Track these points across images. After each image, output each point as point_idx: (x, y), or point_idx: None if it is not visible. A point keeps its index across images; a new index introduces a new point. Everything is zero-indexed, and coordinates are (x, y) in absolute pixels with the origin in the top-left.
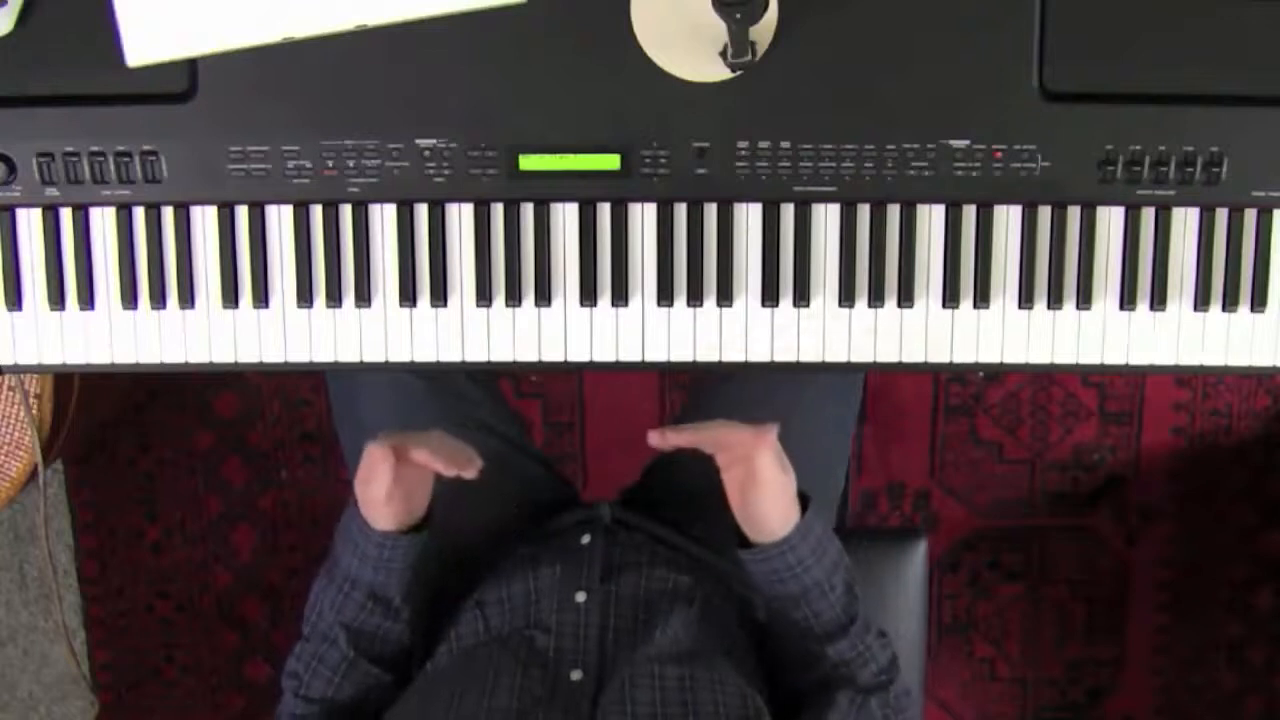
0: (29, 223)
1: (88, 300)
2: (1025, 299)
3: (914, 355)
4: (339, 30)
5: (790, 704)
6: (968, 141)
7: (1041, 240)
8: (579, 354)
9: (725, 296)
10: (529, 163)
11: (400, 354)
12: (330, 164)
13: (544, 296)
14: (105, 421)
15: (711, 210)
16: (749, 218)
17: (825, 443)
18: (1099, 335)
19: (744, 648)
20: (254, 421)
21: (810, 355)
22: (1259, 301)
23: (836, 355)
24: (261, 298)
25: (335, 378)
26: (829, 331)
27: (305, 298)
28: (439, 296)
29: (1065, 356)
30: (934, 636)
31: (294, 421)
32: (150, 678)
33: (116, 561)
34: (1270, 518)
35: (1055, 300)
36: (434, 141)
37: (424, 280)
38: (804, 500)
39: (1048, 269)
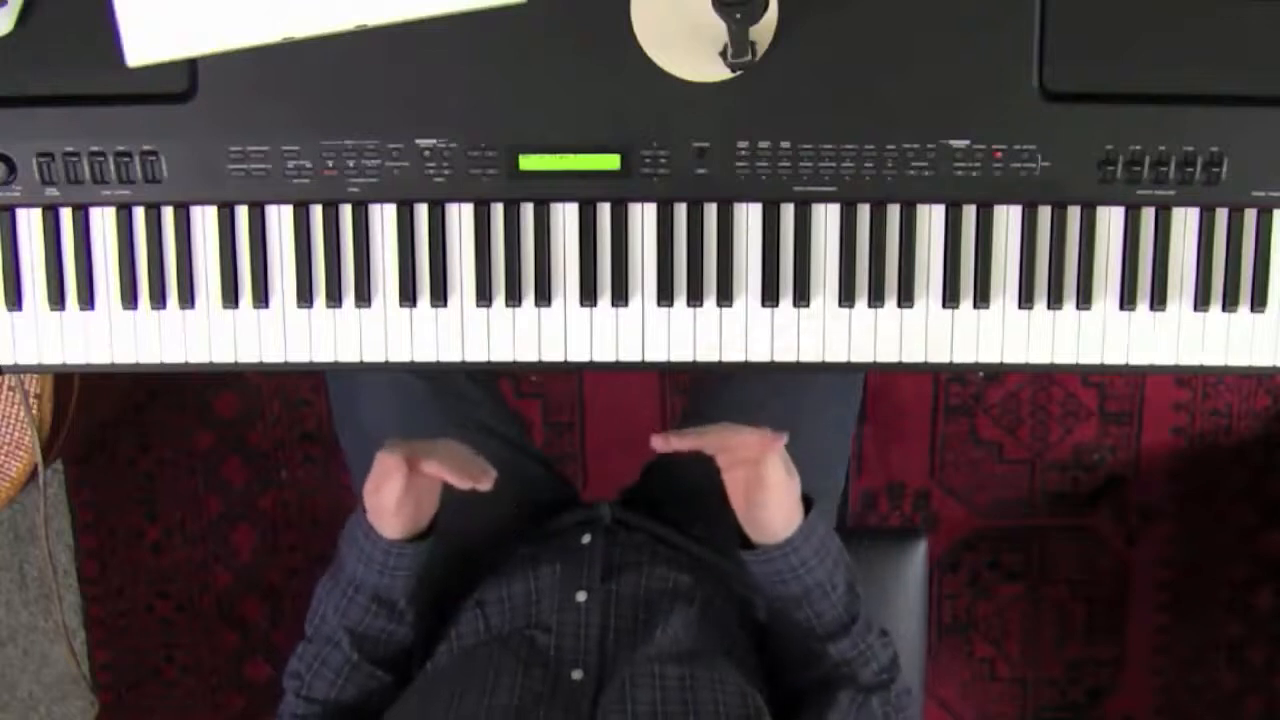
0: (29, 223)
1: (88, 300)
2: (1025, 299)
3: (914, 355)
4: (339, 30)
5: (791, 703)
6: (968, 141)
7: (1041, 240)
8: (579, 354)
9: (725, 296)
10: (529, 163)
11: (400, 354)
12: (330, 164)
13: (544, 296)
14: (105, 421)
15: (711, 210)
16: (749, 218)
17: (825, 443)
18: (1099, 335)
19: (744, 647)
20: (254, 421)
21: (810, 355)
22: (1259, 301)
23: (836, 355)
24: (261, 298)
25: (335, 378)
26: (829, 331)
27: (305, 298)
28: (439, 296)
29: (1065, 356)
30: (934, 636)
31: (294, 421)
32: (150, 678)
33: (116, 561)
34: (1270, 518)
35: (1055, 300)
36: (434, 141)
37: (424, 280)
38: (807, 502)
39: (1048, 269)
